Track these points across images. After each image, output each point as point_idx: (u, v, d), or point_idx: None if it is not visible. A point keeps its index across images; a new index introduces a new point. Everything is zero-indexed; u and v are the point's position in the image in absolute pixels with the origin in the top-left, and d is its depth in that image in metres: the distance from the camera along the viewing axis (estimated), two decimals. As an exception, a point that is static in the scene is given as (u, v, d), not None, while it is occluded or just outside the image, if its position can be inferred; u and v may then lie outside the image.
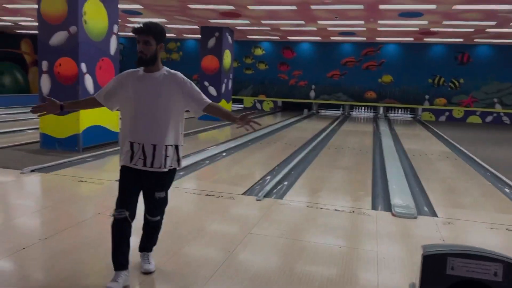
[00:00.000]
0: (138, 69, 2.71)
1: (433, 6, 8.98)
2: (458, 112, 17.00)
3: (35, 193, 5.13)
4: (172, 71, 2.71)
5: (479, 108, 16.83)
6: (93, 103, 2.81)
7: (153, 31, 2.55)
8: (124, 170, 2.68)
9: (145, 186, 2.72)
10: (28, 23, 14.49)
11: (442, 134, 11.89)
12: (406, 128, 14.03)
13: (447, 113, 17.11)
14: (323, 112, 18.85)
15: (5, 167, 5.85)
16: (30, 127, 9.68)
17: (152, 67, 2.65)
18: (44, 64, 7.07)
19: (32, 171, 5.64)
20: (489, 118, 16.75)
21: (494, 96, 16.75)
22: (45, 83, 7.11)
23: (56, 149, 7.15)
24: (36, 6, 7.16)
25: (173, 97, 2.63)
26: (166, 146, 2.61)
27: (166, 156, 2.61)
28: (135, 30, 2.54)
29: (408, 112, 18.13)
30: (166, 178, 2.74)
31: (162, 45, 2.63)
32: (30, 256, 3.11)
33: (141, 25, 2.54)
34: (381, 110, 18.19)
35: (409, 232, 3.97)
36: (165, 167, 2.63)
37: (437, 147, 9.66)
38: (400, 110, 18.23)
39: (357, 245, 3.58)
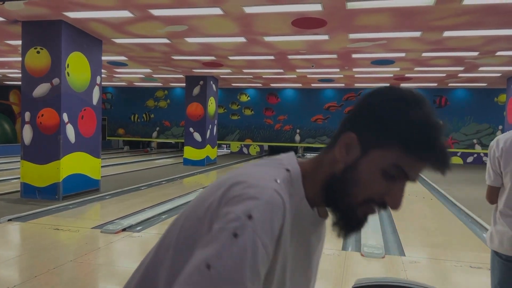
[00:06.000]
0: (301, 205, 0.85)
1: (402, 54, 9.49)
2: (439, 153, 17.37)
3: (9, 242, 5.16)
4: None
5: (459, 149, 17.25)
6: None
7: None
8: None
9: None
10: (16, 74, 14.86)
11: (422, 175, 12.09)
12: (388, 170, 14.29)
13: (429, 155, 17.47)
14: (308, 155, 19.15)
15: (-18, 216, 5.89)
16: (14, 177, 9.74)
17: None
18: (27, 115, 7.28)
19: (9, 220, 5.69)
20: (470, 159, 17.14)
21: (474, 137, 17.23)
22: (27, 133, 7.28)
23: (36, 198, 7.21)
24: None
25: None
26: None
27: None
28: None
29: (391, 154, 18.49)
30: None
31: None
32: (-4, 304, 3.16)
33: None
34: (365, 153, 18.53)
35: (374, 271, 4.08)
36: None
37: (415, 188, 9.84)
38: (383, 152, 18.61)
39: (322, 285, 3.66)
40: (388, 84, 0.94)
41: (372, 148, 0.78)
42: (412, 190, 9.37)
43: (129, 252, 4.60)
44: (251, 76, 14.47)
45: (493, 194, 2.38)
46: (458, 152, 17.20)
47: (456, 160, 17.17)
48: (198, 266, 0.70)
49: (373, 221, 6.09)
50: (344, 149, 0.80)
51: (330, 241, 5.01)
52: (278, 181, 0.79)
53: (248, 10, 6.38)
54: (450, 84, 15.55)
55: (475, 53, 9.25)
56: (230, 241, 0.69)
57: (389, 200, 0.80)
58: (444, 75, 12.87)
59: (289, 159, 0.89)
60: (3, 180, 9.55)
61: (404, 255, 4.58)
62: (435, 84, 15.57)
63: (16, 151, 16.74)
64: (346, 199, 0.81)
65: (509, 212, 2.29)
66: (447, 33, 7.48)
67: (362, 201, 0.80)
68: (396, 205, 0.80)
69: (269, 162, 0.90)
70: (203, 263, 0.69)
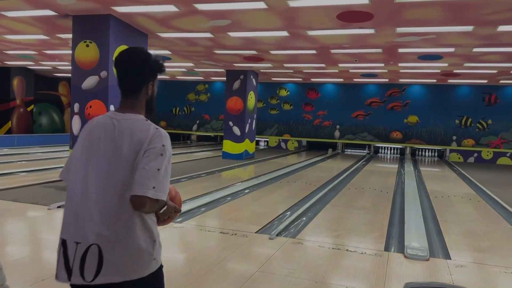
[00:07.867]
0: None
1: (451, 49, 9.10)
2: (487, 153, 16.63)
3: (59, 228, 5.38)
4: None
5: (509, 149, 16.43)
6: None
7: None
8: None
9: None
10: (65, 67, 15.48)
11: (469, 176, 11.65)
12: (432, 169, 13.82)
13: (475, 154, 16.76)
14: (348, 151, 18.83)
15: (34, 203, 6.20)
16: (63, 165, 10.16)
17: None
18: (76, 106, 7.57)
19: (59, 207, 5.95)
20: (520, 160, 16.29)
21: (525, 137, 16.36)
22: (76, 124, 7.58)
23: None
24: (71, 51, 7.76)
25: None
26: None
27: None
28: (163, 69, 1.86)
29: (436, 153, 17.87)
30: None
31: None
32: (47, 287, 3.31)
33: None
34: (407, 151, 18.01)
35: (419, 274, 3.95)
36: None
37: (461, 189, 9.48)
38: (427, 150, 18.01)
39: (363, 286, 3.59)
40: (132, 47, 1.75)
41: (153, 81, 1.81)
42: (458, 191, 9.02)
43: (170, 242, 4.68)
44: (292, 71, 14.37)
45: None
46: (507, 152, 16.37)
47: (505, 161, 16.37)
48: (153, 170, 1.56)
49: (417, 222, 5.91)
50: (150, 90, 1.79)
51: (372, 242, 4.91)
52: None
53: (292, 3, 6.31)
54: (501, 81, 14.80)
55: (531, 49, 8.74)
56: (161, 157, 1.60)
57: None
58: (496, 71, 12.25)
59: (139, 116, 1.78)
60: (52, 168, 10.01)
61: (450, 259, 4.41)
62: (485, 81, 14.88)
63: (64, 140, 17.51)
64: (154, 106, 1.86)
65: None
66: (502, 28, 7.10)
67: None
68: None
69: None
70: (155, 169, 1.56)
